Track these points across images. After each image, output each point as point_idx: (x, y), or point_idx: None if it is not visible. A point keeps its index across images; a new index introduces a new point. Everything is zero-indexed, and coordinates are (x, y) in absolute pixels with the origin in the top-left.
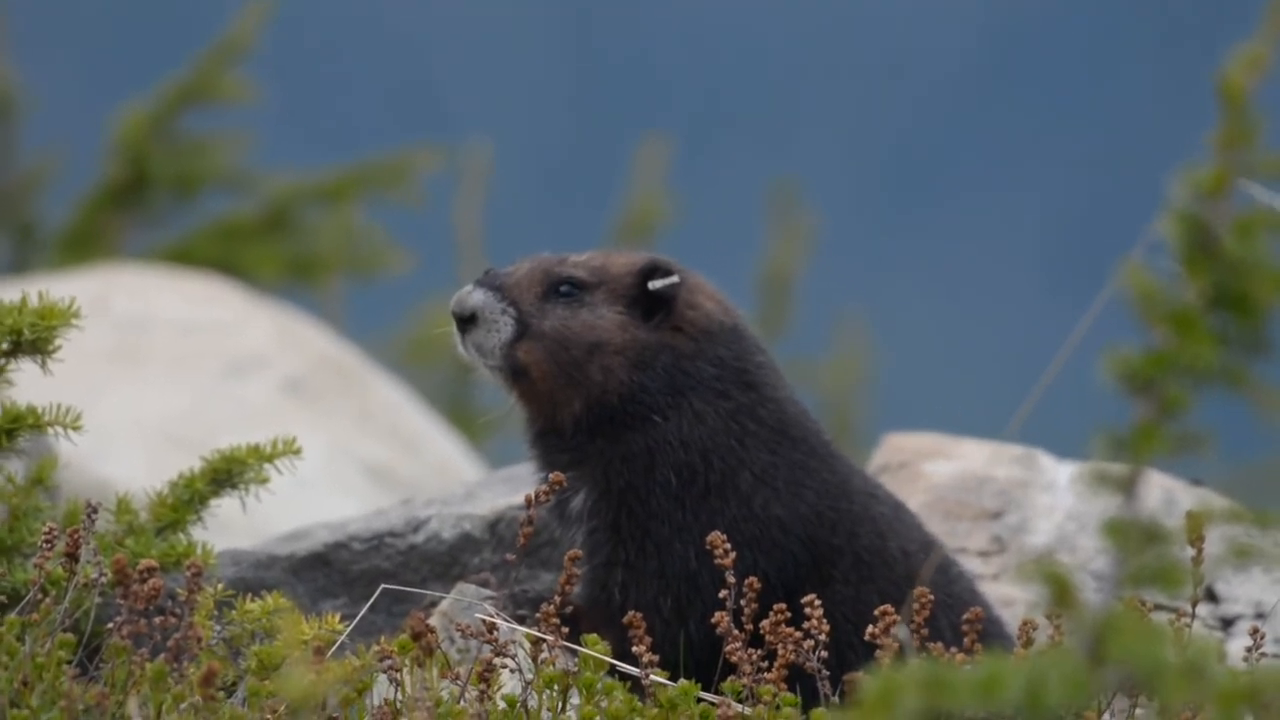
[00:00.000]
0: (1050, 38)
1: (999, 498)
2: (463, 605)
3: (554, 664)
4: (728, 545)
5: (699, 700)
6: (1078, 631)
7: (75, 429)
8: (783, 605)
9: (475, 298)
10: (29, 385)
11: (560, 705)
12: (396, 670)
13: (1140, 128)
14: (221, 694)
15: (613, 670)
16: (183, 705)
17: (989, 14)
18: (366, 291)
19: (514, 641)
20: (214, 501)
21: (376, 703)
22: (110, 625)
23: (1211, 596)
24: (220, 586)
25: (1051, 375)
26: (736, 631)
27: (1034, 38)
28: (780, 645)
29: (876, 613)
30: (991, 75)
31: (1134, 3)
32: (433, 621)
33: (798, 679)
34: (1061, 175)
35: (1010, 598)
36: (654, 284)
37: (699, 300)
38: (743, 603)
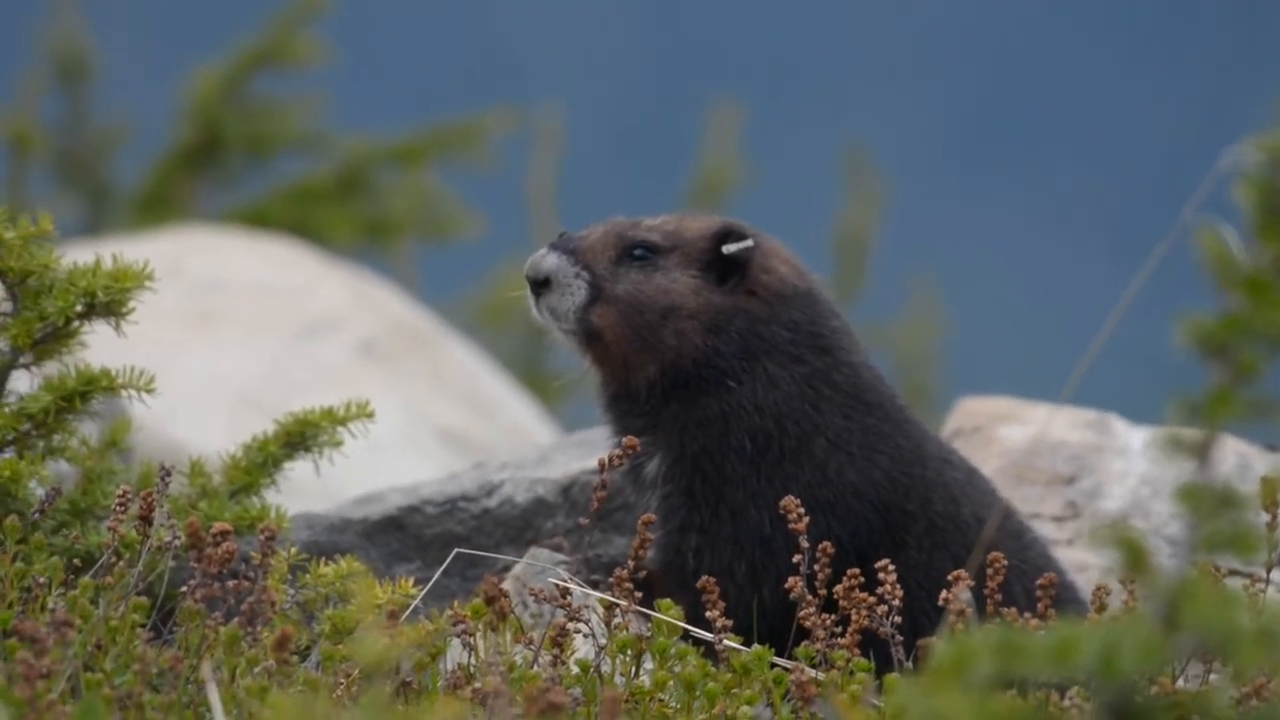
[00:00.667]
0: (1126, 10)
1: (1072, 463)
2: (536, 570)
3: (627, 629)
4: (801, 510)
5: (773, 665)
6: (1152, 597)
7: (149, 391)
8: (856, 571)
9: (549, 261)
10: (103, 347)
11: (634, 670)
12: (470, 635)
13: (1215, 91)
14: (295, 658)
15: (686, 635)
16: (256, 669)
17: None
18: (440, 254)
19: (587, 606)
20: (287, 465)
21: (450, 667)
22: (184, 589)
23: None
24: (294, 550)
25: (1104, 337)
26: (810, 597)
27: (1110, 9)
28: (854, 611)
29: (950, 578)
30: (1063, 40)
31: None
32: (506, 586)
33: (871, 644)
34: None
35: (1084, 563)
36: (728, 248)
37: (773, 264)
38: (816, 568)
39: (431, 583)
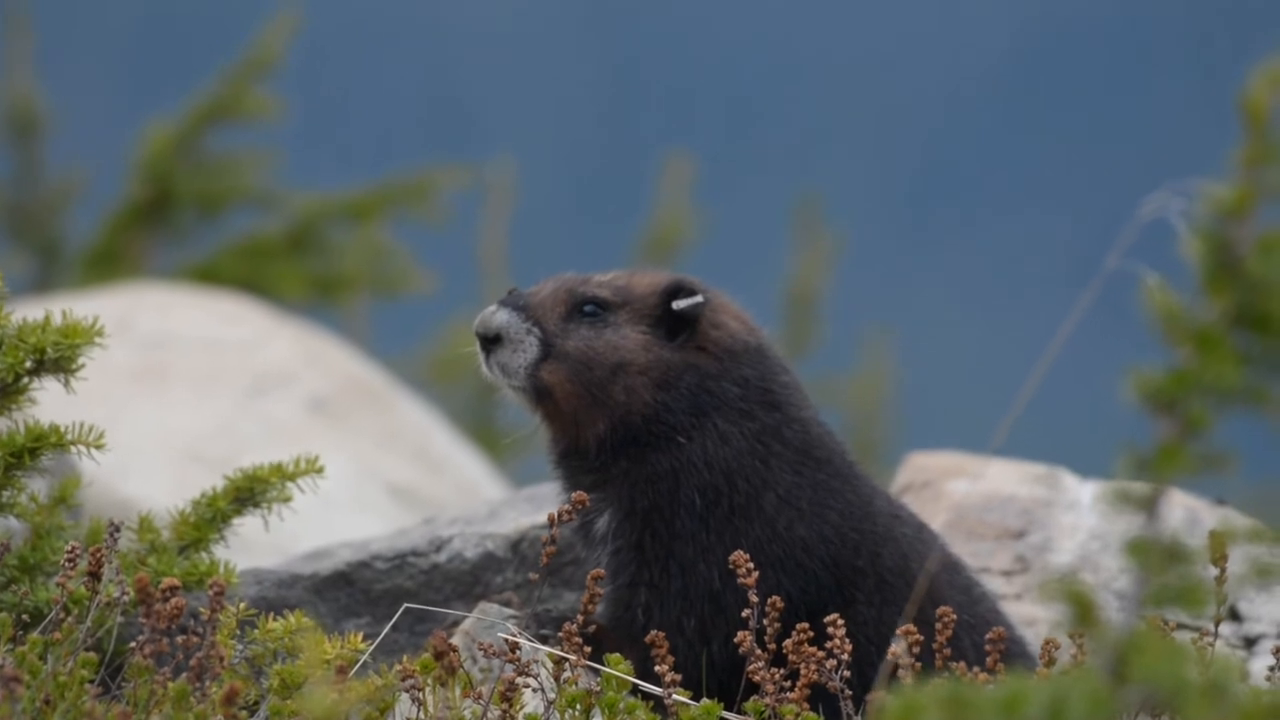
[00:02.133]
0: (1077, 57)
1: (1022, 517)
2: (485, 624)
3: (576, 683)
4: (751, 565)
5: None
6: (1100, 651)
7: (98, 448)
8: (805, 625)
9: (499, 318)
10: (52, 404)
11: None
12: (419, 689)
13: (1168, 146)
14: (244, 713)
15: (635, 690)
16: None
17: (1016, 33)
18: (391, 310)
19: (537, 661)
20: (237, 520)
21: None
22: (133, 644)
23: (1234, 616)
24: (243, 605)
25: (1032, 388)
26: (760, 651)
27: (1061, 57)
28: (803, 665)
29: (898, 633)
30: (1018, 93)
31: (1161, 24)
32: (455, 640)
33: (821, 699)
34: (1088, 193)
35: (1033, 617)
36: (678, 304)
37: (723, 320)
38: (765, 623)
39: (380, 638)
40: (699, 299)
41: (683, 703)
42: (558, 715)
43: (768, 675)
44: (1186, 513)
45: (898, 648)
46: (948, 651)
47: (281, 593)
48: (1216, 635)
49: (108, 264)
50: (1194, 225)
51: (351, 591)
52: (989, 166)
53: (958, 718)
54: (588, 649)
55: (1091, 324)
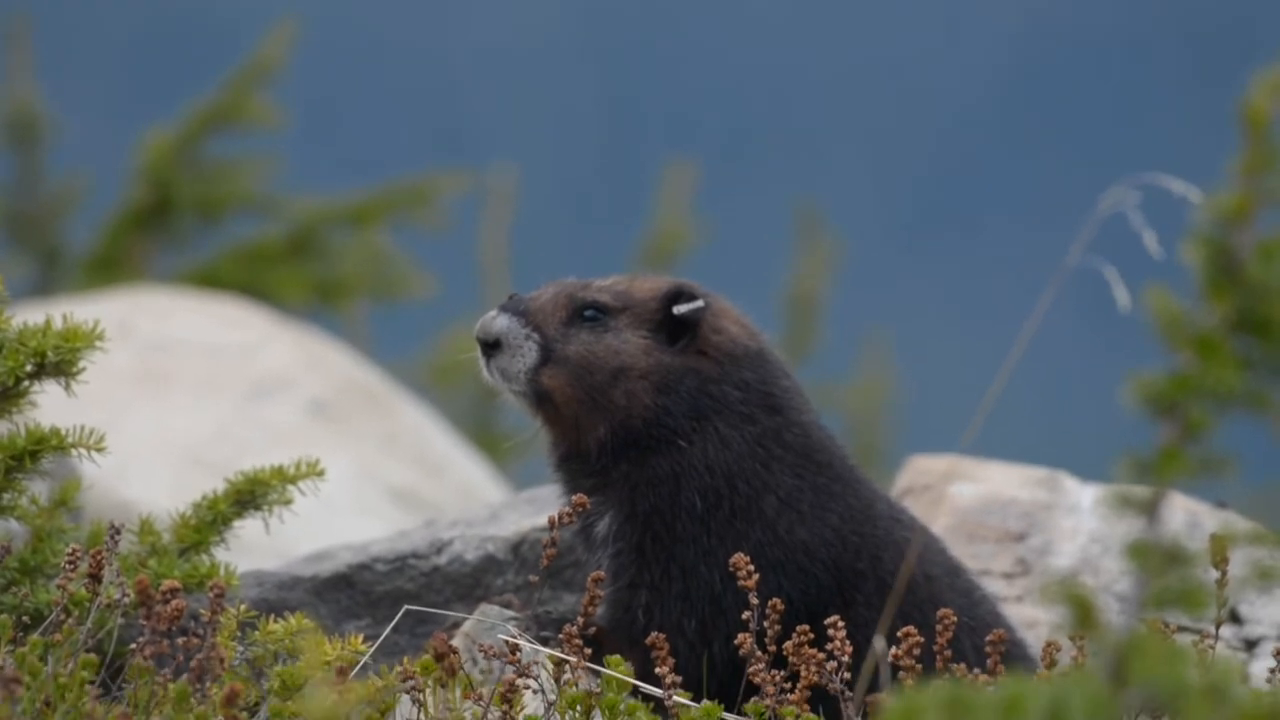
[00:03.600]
0: (1079, 68)
1: (1023, 520)
2: (486, 626)
3: (577, 685)
4: (751, 568)
5: None
6: (1101, 653)
7: (99, 451)
8: (806, 627)
9: (499, 323)
10: (53, 407)
11: None
12: (419, 691)
13: (1169, 156)
14: (244, 715)
15: (635, 691)
16: None
17: (1018, 42)
18: (391, 314)
19: (537, 662)
20: (237, 523)
21: None
22: (133, 646)
23: (1235, 618)
24: (243, 607)
25: (1003, 381)
26: (760, 653)
27: (1063, 67)
28: (803, 666)
29: (899, 635)
30: (1019, 102)
31: (1163, 35)
32: (456, 642)
33: (821, 700)
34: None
35: (1034, 620)
36: (679, 308)
37: (724, 324)
38: (766, 625)
39: (381, 640)
40: (700, 304)
41: (683, 704)
42: (558, 717)
43: (768, 677)
44: (1187, 516)
45: (890, 647)
46: (948, 654)
47: (282, 595)
48: (1217, 638)
49: (108, 269)
50: (1197, 232)
51: (352, 593)
52: (990, 174)
53: None
54: (588, 651)
55: (1091, 329)
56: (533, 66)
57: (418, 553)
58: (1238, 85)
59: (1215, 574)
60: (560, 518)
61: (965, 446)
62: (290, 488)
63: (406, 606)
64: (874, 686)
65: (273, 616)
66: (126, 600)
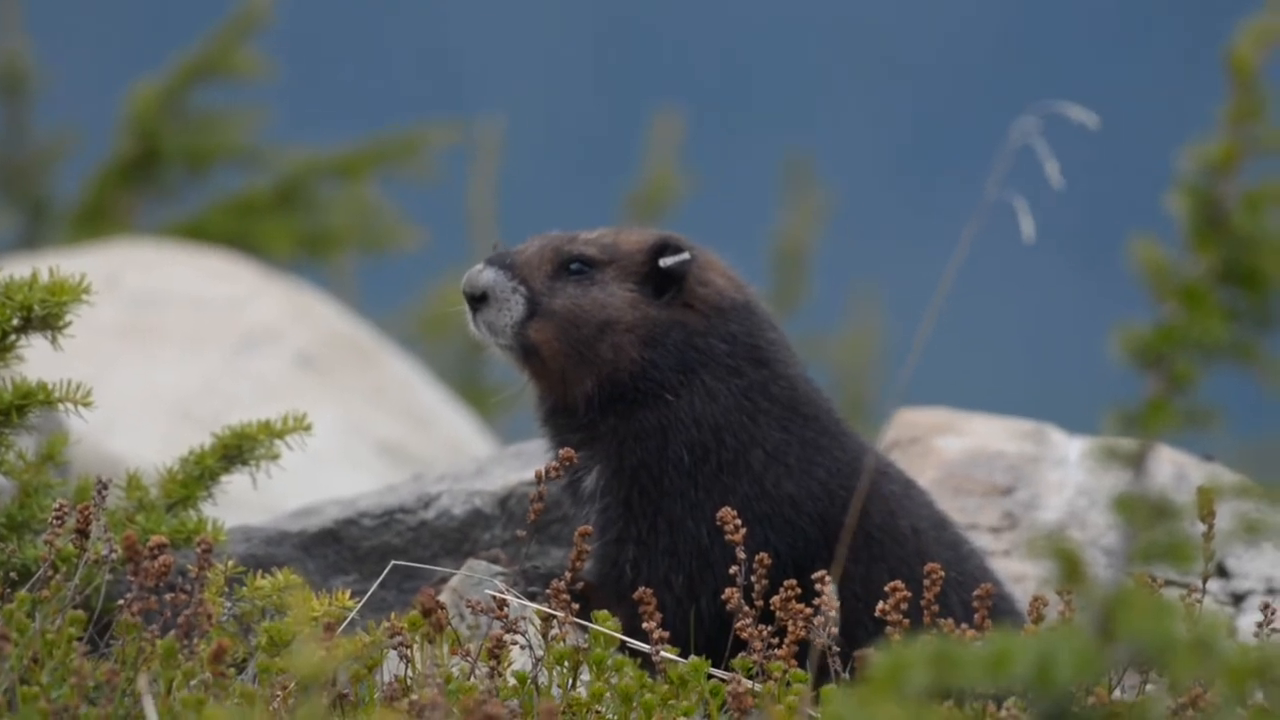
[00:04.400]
0: (1074, 17)
1: (1010, 473)
2: (473, 581)
3: (564, 640)
4: (738, 521)
5: (709, 677)
6: (1088, 607)
7: (86, 405)
8: (793, 582)
9: (486, 276)
10: (40, 361)
11: (570, 682)
12: (407, 646)
13: (1161, 105)
14: (232, 670)
15: (623, 647)
16: (193, 682)
17: None
18: (379, 267)
19: (524, 618)
20: (225, 478)
21: (387, 679)
22: (120, 602)
23: (1222, 572)
24: (231, 563)
25: (930, 323)
26: (747, 608)
27: (1058, 16)
28: (790, 622)
29: (886, 589)
30: (1013, 52)
31: None
32: (443, 598)
33: (808, 656)
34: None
35: (1021, 573)
36: (665, 261)
37: (710, 277)
38: (753, 579)
39: (368, 595)
40: (686, 256)
41: (670, 659)
42: (545, 672)
43: (755, 632)
44: (1174, 469)
45: (886, 605)
46: (935, 608)
47: (270, 550)
48: (1204, 592)
49: (96, 221)
50: (1182, 181)
51: (339, 549)
52: (981, 125)
53: (945, 674)
54: (575, 606)
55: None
56: (522, 16)
57: (405, 507)
58: (1226, 33)
59: (1202, 527)
60: (547, 472)
61: (912, 390)
62: (278, 442)
63: (394, 562)
64: (862, 641)
65: (260, 572)
66: (114, 556)
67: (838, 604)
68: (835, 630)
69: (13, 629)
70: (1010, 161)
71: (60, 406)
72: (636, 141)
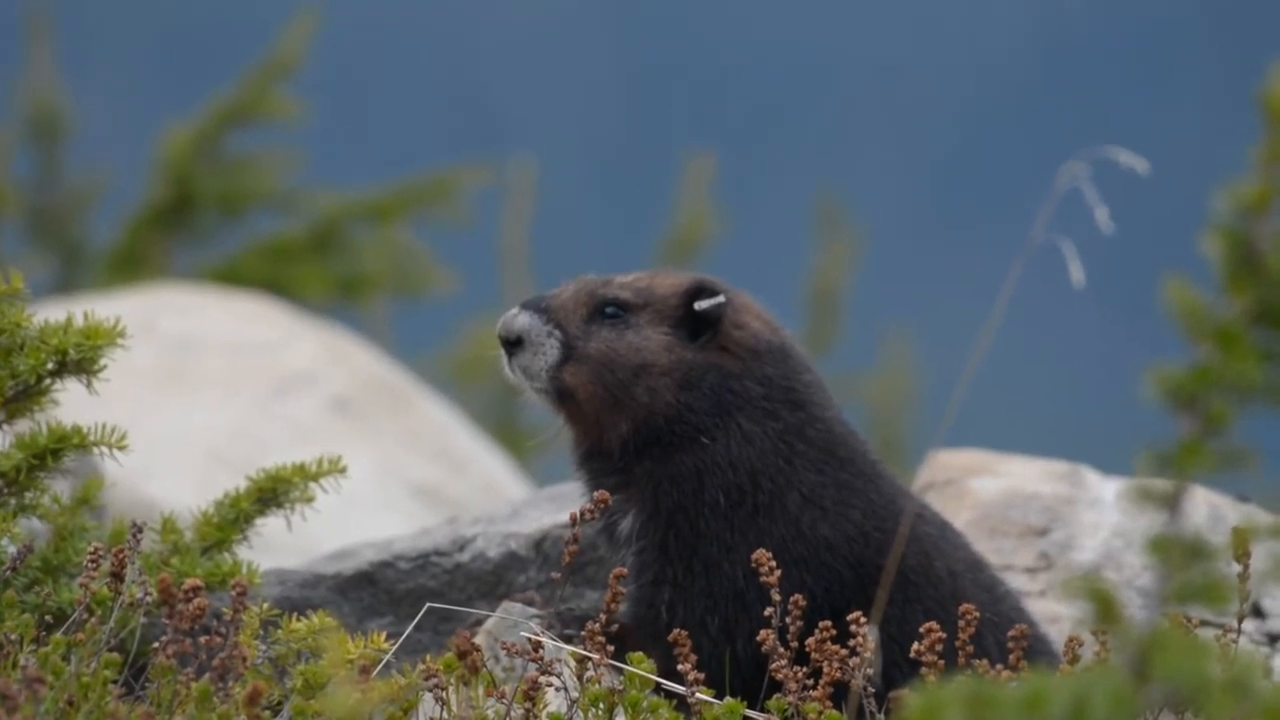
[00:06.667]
0: (1102, 54)
1: (1045, 514)
2: (508, 624)
3: (599, 682)
4: (773, 564)
5: (745, 718)
6: (1123, 648)
7: (121, 449)
8: (828, 623)
9: (521, 321)
10: (75, 405)
11: None
12: (442, 689)
13: (1197, 146)
14: (267, 714)
15: (658, 689)
16: None
17: (1040, 29)
18: (414, 310)
19: (559, 660)
20: (260, 521)
21: None
22: (155, 645)
23: (1258, 612)
24: (266, 606)
25: (974, 367)
26: (782, 649)
27: (1086, 54)
28: (826, 663)
29: (921, 630)
30: (1043, 91)
31: (1181, 20)
32: (478, 640)
33: (843, 697)
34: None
35: (1056, 614)
36: (700, 304)
37: (745, 320)
38: (788, 621)
39: (404, 637)
40: (720, 299)
41: (706, 701)
42: (581, 714)
43: (790, 673)
44: (1210, 510)
45: (921, 646)
46: (970, 649)
47: (305, 593)
48: (1240, 632)
49: (130, 265)
50: (1215, 222)
51: (375, 591)
52: (1014, 164)
53: (980, 715)
54: (611, 648)
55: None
56: (554, 59)
57: (440, 550)
58: (1261, 67)
59: (1237, 568)
60: (582, 514)
61: (948, 432)
62: (312, 485)
63: (429, 604)
64: (897, 682)
65: (295, 615)
66: (149, 599)
67: (875, 645)
68: (873, 672)
69: (48, 672)
70: (1057, 204)
71: (95, 450)
72: (669, 183)
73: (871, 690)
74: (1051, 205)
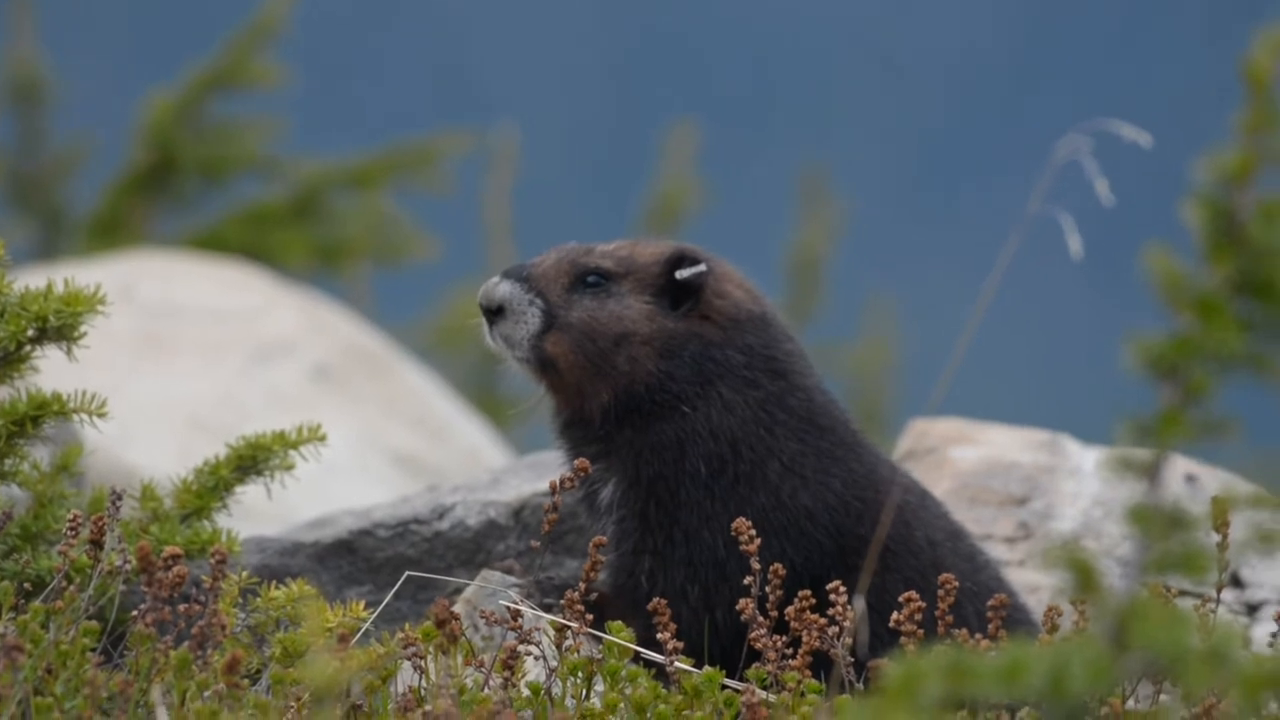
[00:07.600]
0: (1089, 26)
1: (1025, 484)
2: (487, 592)
3: (578, 651)
4: (753, 533)
5: (724, 687)
6: (1102, 617)
7: (101, 416)
8: (808, 593)
9: (502, 289)
10: (55, 372)
11: (584, 692)
12: (421, 657)
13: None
14: (245, 681)
15: (637, 658)
16: (207, 693)
17: (1027, 3)
18: (394, 277)
19: (538, 628)
20: (239, 488)
21: (401, 690)
22: (134, 613)
23: (1237, 582)
24: (245, 574)
25: (967, 340)
26: (762, 618)
27: (1073, 26)
28: (805, 632)
29: (901, 600)
30: (1028, 62)
31: None
32: (457, 608)
33: (823, 666)
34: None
35: (1036, 584)
36: (681, 273)
37: (727, 289)
38: (768, 590)
39: (383, 606)
40: (702, 268)
41: (685, 670)
42: (560, 683)
43: (770, 642)
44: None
45: (901, 616)
46: (950, 619)
47: (284, 561)
48: (1219, 602)
49: (111, 231)
50: (1197, 192)
51: (354, 559)
52: (997, 135)
53: (959, 685)
54: (590, 617)
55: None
56: (539, 27)
57: (419, 518)
58: (1242, 44)
59: (1217, 537)
60: (562, 482)
61: (936, 405)
62: (292, 453)
63: (408, 572)
64: (876, 652)
65: (274, 583)
66: (128, 567)
67: (857, 614)
68: (855, 640)
69: (27, 639)
70: (1056, 177)
71: (75, 417)
72: (652, 152)
73: (851, 660)
74: (1048, 177)
